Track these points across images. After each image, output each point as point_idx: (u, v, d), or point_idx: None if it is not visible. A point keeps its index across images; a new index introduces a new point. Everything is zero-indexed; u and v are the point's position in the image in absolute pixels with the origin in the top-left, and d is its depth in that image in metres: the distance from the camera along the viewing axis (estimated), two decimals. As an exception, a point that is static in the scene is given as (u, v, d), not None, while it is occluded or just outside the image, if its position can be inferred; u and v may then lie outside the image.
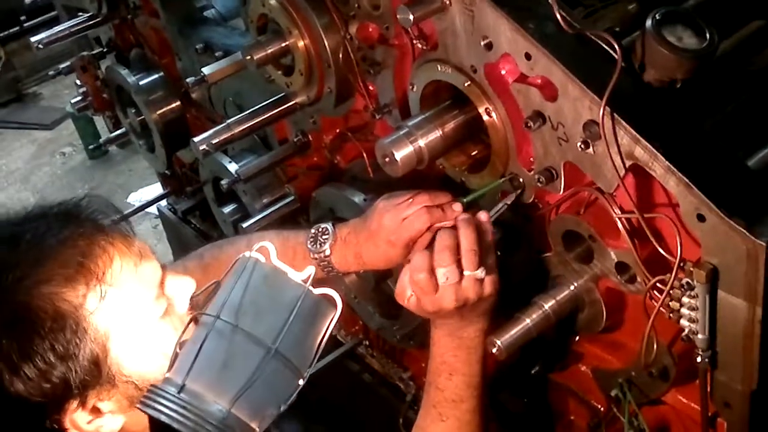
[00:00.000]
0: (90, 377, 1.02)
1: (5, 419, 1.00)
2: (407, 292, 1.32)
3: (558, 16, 1.20)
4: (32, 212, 1.08)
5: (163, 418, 0.99)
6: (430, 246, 1.32)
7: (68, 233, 1.04)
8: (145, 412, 1.00)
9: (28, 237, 1.03)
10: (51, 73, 3.09)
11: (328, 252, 1.46)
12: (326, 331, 1.09)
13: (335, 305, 1.08)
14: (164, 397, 1.00)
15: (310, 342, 1.08)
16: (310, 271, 1.07)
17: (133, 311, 1.06)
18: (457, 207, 1.36)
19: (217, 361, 1.02)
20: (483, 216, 1.35)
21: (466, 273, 1.28)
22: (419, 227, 1.34)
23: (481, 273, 1.28)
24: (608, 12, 1.53)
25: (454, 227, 1.32)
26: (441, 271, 1.27)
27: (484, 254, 1.30)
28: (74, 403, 1.03)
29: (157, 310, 1.09)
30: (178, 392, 1.00)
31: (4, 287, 0.99)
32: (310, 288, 1.06)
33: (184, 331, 1.06)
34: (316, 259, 1.46)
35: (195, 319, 1.07)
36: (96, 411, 1.06)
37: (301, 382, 1.05)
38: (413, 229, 1.35)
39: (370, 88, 1.72)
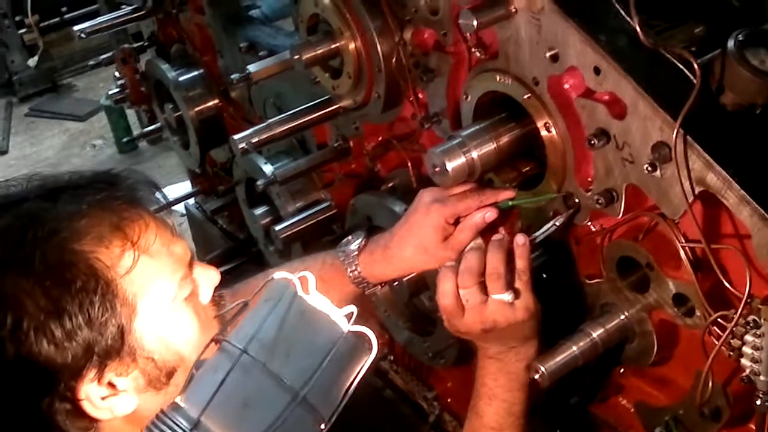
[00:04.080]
0: (113, 345, 0.98)
1: (21, 378, 0.95)
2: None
3: (638, 29, 1.14)
4: (73, 175, 1.06)
5: None
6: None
7: (106, 195, 1.02)
8: None
9: (65, 196, 1.01)
10: (91, 63, 3.09)
11: (355, 249, 1.46)
12: (356, 377, 1.00)
13: (370, 348, 1.00)
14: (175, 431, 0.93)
15: (339, 387, 0.99)
16: (351, 308, 1.00)
17: (163, 284, 1.02)
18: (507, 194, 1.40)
19: (237, 400, 0.95)
20: (520, 239, 1.31)
21: (491, 296, 1.26)
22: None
23: (508, 297, 1.26)
24: (674, 33, 1.47)
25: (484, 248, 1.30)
26: (461, 292, 1.28)
27: (513, 277, 1.28)
28: (92, 372, 0.98)
29: (184, 289, 1.05)
30: (192, 428, 0.92)
31: (38, 239, 0.95)
32: (349, 327, 0.99)
33: (203, 352, 1.00)
34: (342, 258, 1.47)
35: (217, 341, 0.99)
36: (112, 387, 1.01)
37: (322, 427, 0.97)
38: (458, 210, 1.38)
39: (420, 96, 1.67)
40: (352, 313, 1.00)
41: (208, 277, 1.11)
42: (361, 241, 1.47)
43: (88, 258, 0.96)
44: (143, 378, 1.03)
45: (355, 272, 1.46)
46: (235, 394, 0.95)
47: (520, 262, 1.29)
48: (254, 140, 1.88)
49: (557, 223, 1.36)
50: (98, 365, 0.97)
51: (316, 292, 1.01)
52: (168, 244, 1.05)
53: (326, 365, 0.96)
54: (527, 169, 1.51)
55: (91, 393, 0.99)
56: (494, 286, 1.26)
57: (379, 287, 1.51)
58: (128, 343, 0.99)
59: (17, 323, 0.93)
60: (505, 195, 1.38)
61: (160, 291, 1.02)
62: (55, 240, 0.96)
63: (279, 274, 1.03)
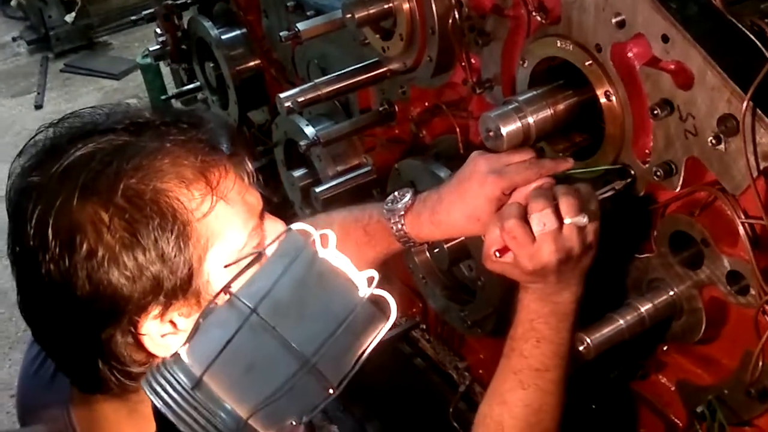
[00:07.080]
0: (181, 284, 0.98)
1: (89, 305, 0.95)
2: (493, 249, 1.23)
3: (717, -4, 1.11)
4: (156, 110, 1.06)
5: (168, 414, 0.91)
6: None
7: (190, 136, 1.02)
8: (150, 397, 0.93)
9: (150, 132, 1.01)
10: (133, 18, 3.09)
11: (402, 209, 1.41)
12: (370, 345, 0.97)
13: (388, 314, 0.97)
14: (175, 389, 0.91)
15: (352, 354, 0.96)
16: (372, 273, 0.98)
17: (235, 232, 1.02)
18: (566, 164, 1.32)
19: (241, 362, 0.92)
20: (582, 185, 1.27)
21: (566, 221, 1.19)
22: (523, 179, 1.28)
23: (583, 219, 1.18)
24: (739, 8, 1.43)
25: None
26: (536, 217, 1.18)
27: (584, 200, 1.21)
28: (156, 309, 0.98)
29: (253, 239, 1.05)
30: (193, 387, 0.91)
31: (121, 171, 0.96)
32: (368, 292, 0.95)
33: (215, 298, 0.99)
34: (388, 216, 1.43)
35: (227, 290, 0.97)
36: (173, 325, 1.01)
37: (331, 391, 0.95)
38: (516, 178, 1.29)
39: (472, 60, 1.64)
40: (373, 277, 0.97)
41: (276, 229, 1.10)
42: (408, 200, 1.43)
43: (169, 197, 0.97)
44: None
45: (401, 231, 1.44)
46: (240, 357, 0.92)
47: (584, 187, 1.23)
48: (300, 99, 1.87)
49: (616, 187, 1.32)
50: (163, 303, 0.98)
51: (338, 253, 0.98)
52: (243, 192, 1.04)
53: (341, 333, 0.93)
54: (580, 140, 1.49)
55: (152, 329, 0.99)
56: (569, 207, 1.18)
57: (425, 246, 1.49)
58: (195, 284, 0.99)
59: (92, 251, 0.93)
60: (565, 165, 1.32)
61: (231, 238, 1.01)
62: (138, 175, 0.96)
63: (298, 225, 1.00)
